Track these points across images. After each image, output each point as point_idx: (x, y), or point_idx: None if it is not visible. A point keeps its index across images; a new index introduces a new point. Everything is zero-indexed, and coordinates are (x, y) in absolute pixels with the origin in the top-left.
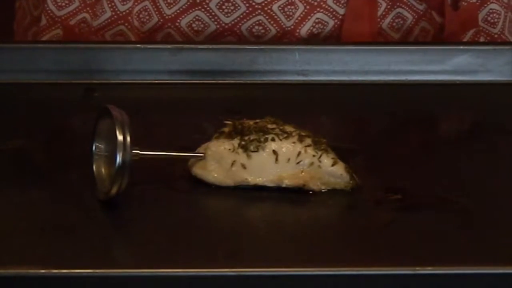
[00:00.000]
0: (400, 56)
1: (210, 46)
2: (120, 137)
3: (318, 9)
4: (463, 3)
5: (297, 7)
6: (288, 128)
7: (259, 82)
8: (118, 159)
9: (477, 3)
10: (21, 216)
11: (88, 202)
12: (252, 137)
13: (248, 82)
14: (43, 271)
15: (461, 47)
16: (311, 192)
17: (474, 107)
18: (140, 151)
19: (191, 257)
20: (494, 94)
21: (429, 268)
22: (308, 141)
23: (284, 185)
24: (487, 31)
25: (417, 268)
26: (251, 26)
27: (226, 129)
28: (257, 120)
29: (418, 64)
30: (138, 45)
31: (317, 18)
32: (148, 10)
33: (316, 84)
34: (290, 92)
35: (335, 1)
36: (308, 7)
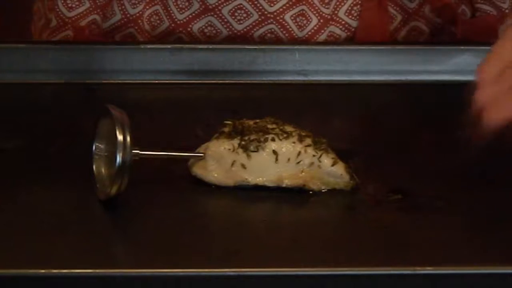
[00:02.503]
0: (400, 56)
1: (210, 46)
2: (120, 137)
3: (331, 22)
4: (481, 13)
5: (309, 19)
6: (288, 128)
7: (259, 82)
8: (118, 159)
9: (497, 16)
10: (21, 216)
11: (88, 202)
12: (252, 137)
13: (248, 82)
14: (43, 271)
15: (461, 47)
16: (311, 192)
17: None
18: (140, 151)
19: (191, 257)
20: None
21: (429, 268)
22: (308, 141)
23: (284, 185)
24: None
25: (417, 268)
26: (263, 34)
27: (226, 129)
28: (257, 120)
29: (418, 64)
30: (138, 45)
31: (330, 31)
32: (159, 14)
33: (316, 84)
34: (290, 92)
35: (347, 14)
36: (321, 20)
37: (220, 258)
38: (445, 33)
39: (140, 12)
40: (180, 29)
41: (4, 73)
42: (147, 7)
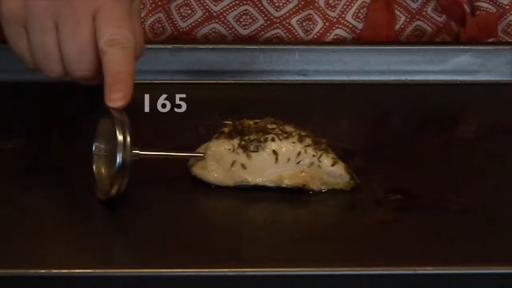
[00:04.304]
0: (400, 56)
1: (210, 46)
2: (120, 137)
3: (337, 25)
4: (482, 12)
5: (316, 23)
6: (288, 128)
7: (259, 82)
8: (118, 159)
9: (497, 14)
10: (21, 216)
11: (88, 202)
12: (252, 137)
13: (248, 82)
14: (43, 271)
15: (461, 47)
16: (311, 192)
17: (474, 107)
18: (140, 151)
19: (191, 257)
20: (494, 94)
21: (429, 268)
22: (308, 141)
23: (284, 185)
24: None
25: (417, 268)
26: (269, 39)
27: (226, 129)
28: (257, 120)
29: (418, 64)
30: None
31: (336, 35)
32: (162, 22)
33: (316, 84)
34: (290, 92)
35: (354, 17)
36: (327, 23)
37: (220, 258)
38: (445, 31)
39: (142, 20)
40: (184, 36)
41: (4, 73)
42: (150, 15)
